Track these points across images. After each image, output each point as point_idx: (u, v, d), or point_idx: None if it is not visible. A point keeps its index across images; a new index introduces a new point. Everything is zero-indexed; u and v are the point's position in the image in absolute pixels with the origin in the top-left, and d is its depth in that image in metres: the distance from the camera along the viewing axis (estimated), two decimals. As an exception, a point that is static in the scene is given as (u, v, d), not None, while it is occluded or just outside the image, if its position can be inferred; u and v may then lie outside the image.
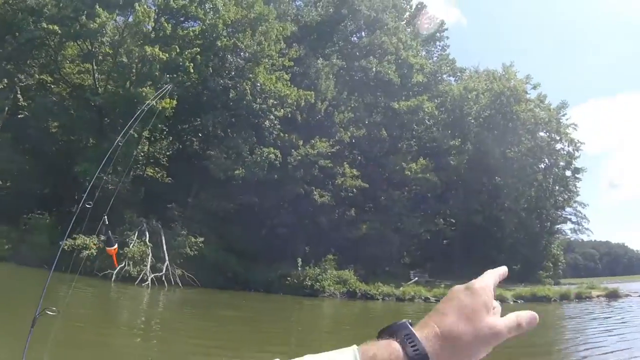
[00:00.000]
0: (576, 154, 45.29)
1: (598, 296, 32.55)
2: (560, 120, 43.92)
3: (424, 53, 47.47)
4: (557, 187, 45.68)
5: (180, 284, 25.57)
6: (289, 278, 28.99)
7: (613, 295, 33.04)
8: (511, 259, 41.57)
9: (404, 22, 45.95)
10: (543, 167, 44.62)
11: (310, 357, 0.72)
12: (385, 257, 35.86)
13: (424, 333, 0.73)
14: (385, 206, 36.94)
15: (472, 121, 40.84)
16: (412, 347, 0.71)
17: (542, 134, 43.31)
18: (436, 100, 41.53)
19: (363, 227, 34.91)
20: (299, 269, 29.84)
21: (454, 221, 41.20)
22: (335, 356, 0.72)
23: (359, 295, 29.37)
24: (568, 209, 49.55)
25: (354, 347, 0.74)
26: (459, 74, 48.31)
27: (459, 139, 39.81)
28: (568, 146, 44.78)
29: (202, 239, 27.82)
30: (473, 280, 0.81)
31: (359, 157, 38.27)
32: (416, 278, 35.28)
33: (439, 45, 49.99)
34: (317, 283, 29.18)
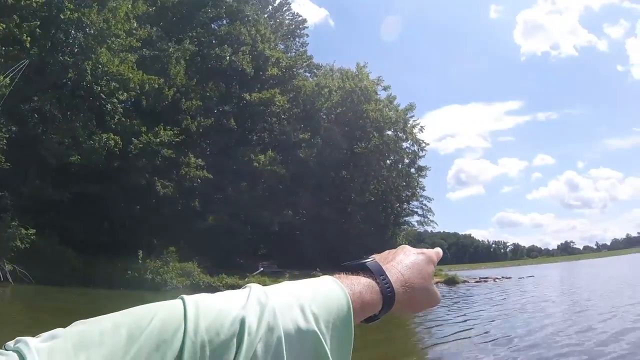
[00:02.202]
0: (421, 153, 53.10)
1: (437, 282, 38.95)
2: (408, 122, 51.27)
3: (282, 47, 51.78)
4: (402, 183, 53.17)
5: (10, 281, 26.21)
6: (129, 272, 30.61)
7: (451, 282, 39.51)
8: (359, 249, 47.43)
9: (266, 15, 50.20)
10: (389, 163, 51.51)
11: (291, 282, 0.77)
12: (235, 248, 39.22)
13: (392, 277, 0.86)
14: (234, 197, 40.22)
15: (323, 116, 46.53)
16: (387, 289, 0.83)
17: (389, 132, 50.20)
18: (289, 94, 46.15)
19: (210, 219, 38.14)
20: (140, 262, 31.86)
21: (304, 212, 46.65)
22: (318, 284, 0.77)
23: (202, 287, 31.03)
24: (415, 203, 57.31)
25: (334, 279, 0.80)
26: (314, 70, 53.27)
27: (309, 133, 44.90)
28: (413, 145, 52.49)
29: (34, 231, 28.17)
30: (424, 249, 0.99)
31: (208, 148, 41.54)
32: (262, 269, 38.69)
33: (299, 42, 55.15)
34: (159, 276, 31.27)
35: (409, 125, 51.08)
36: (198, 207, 38.12)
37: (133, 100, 35.78)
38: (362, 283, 0.81)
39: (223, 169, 40.09)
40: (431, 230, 60.43)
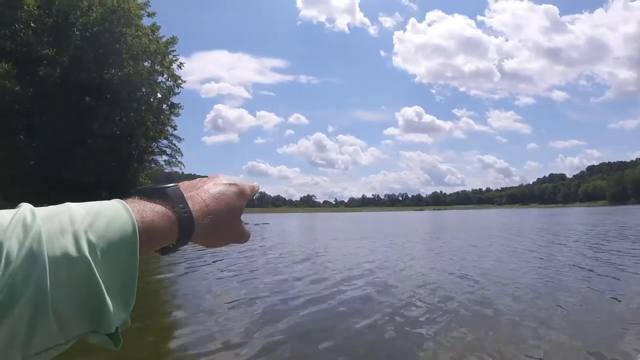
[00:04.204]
0: (176, 90, 54.49)
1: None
2: (167, 55, 52.25)
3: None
4: (152, 119, 53.64)
5: None
6: None
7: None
8: (99, 184, 47.58)
9: None
10: (140, 95, 51.71)
11: (72, 205, 0.68)
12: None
13: (195, 207, 0.81)
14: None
15: (77, 33, 44.64)
16: (185, 219, 0.78)
17: (146, 63, 50.57)
18: (43, 0, 43.20)
19: None
20: None
21: (40, 140, 45.13)
22: (102, 209, 0.69)
23: None
24: (164, 142, 58.61)
25: (124, 204, 0.72)
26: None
27: (55, 49, 42.82)
28: (169, 80, 53.80)
29: None
30: (238, 181, 0.93)
31: None
32: (-23, 203, 37.55)
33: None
34: None
35: (167, 60, 52.48)
36: None
37: None
38: (155, 211, 0.75)
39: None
40: (182, 172, 62.61)
